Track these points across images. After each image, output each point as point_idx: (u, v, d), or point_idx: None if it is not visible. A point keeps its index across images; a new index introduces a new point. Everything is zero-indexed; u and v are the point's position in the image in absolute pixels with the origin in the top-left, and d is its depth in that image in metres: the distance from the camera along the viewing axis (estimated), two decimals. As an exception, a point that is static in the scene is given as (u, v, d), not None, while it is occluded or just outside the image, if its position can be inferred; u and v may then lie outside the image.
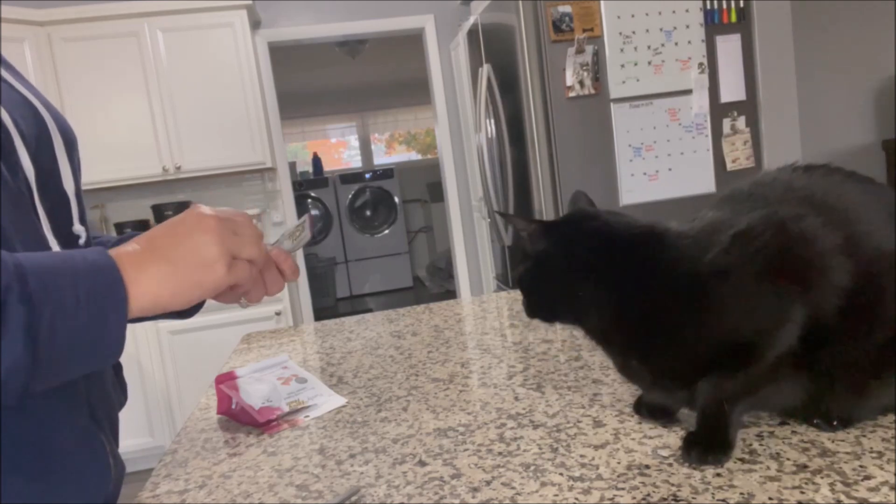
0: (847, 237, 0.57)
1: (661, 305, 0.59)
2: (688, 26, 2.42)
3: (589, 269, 0.62)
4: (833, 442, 0.59)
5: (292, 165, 6.65)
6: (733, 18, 2.44)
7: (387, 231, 7.07)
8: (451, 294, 5.92)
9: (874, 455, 0.55)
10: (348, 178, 7.01)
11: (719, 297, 0.57)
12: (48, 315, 0.46)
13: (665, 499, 0.53)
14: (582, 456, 0.62)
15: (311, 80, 6.88)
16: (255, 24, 3.73)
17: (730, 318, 0.57)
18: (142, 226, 3.44)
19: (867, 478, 0.52)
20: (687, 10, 2.41)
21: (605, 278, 0.61)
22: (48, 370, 0.48)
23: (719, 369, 0.58)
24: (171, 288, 0.54)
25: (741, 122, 2.48)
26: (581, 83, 2.36)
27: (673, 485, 0.55)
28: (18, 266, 0.46)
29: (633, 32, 2.39)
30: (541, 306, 0.67)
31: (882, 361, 0.58)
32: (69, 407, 0.62)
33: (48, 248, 0.62)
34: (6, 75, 0.66)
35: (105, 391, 0.70)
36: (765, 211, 0.59)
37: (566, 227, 0.65)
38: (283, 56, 4.52)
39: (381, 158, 7.97)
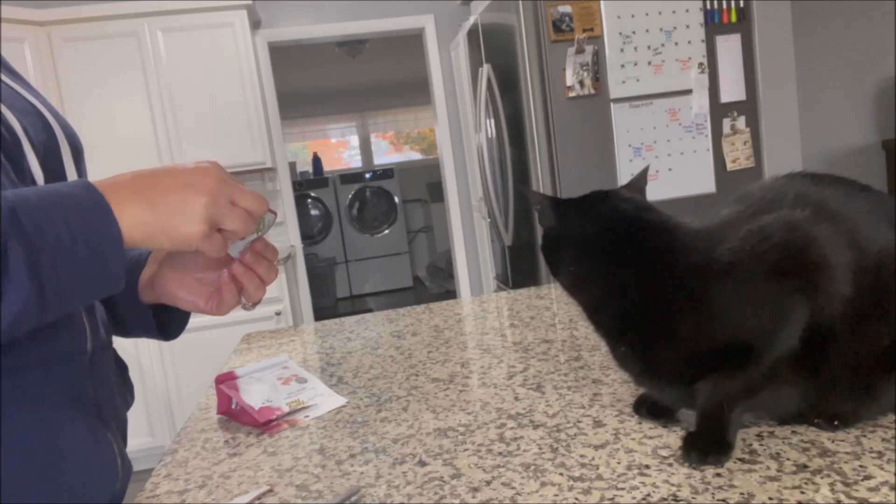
0: (853, 243, 0.58)
1: (665, 296, 0.59)
2: (688, 26, 2.42)
3: (594, 251, 0.62)
4: (833, 442, 0.59)
5: (292, 165, 6.65)
6: (733, 18, 2.44)
7: (387, 231, 7.06)
8: (451, 294, 5.92)
9: (874, 455, 0.55)
10: (348, 178, 7.01)
11: (725, 293, 0.57)
12: (49, 253, 0.48)
13: (665, 499, 0.53)
14: (582, 456, 0.62)
15: (311, 80, 6.88)
16: (255, 24, 3.73)
17: (734, 314, 0.57)
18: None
19: (867, 478, 0.52)
20: (687, 10, 2.41)
21: (611, 262, 0.61)
22: (56, 305, 0.50)
23: (719, 369, 0.58)
24: (143, 232, 0.54)
25: (741, 122, 2.48)
26: (581, 83, 2.36)
27: (673, 485, 0.55)
28: (11, 209, 0.47)
29: (633, 32, 2.39)
30: (556, 273, 0.67)
31: (883, 363, 0.58)
32: (77, 406, 0.62)
33: None
34: (13, 83, 0.67)
35: (112, 391, 0.70)
36: (781, 212, 0.59)
37: (580, 206, 0.65)
38: (283, 56, 4.52)
39: (381, 158, 7.97)
